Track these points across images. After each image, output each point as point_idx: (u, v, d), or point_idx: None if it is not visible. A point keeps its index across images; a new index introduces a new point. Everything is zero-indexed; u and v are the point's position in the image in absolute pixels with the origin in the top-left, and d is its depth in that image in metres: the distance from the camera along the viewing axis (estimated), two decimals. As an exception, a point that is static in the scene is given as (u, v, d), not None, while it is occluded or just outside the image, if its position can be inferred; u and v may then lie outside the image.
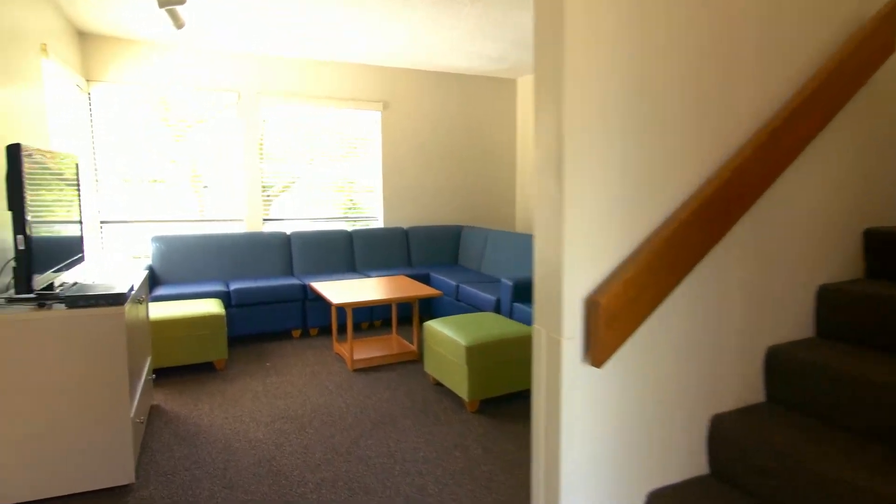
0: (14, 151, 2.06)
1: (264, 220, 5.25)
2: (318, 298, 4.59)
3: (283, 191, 5.31)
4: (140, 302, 2.76)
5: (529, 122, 6.09)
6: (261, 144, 5.15)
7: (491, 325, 3.31)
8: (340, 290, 3.92)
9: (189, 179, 4.94)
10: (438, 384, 3.53)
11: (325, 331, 4.77)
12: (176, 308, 3.74)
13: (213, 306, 3.82)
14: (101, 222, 4.69)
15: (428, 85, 5.79)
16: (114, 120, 4.64)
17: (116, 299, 2.21)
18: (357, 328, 4.85)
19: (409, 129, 5.75)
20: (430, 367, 3.47)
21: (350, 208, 5.64)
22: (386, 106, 5.61)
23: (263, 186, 5.20)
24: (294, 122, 5.27)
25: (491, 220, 6.33)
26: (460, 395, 3.13)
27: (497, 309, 4.04)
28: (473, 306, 4.37)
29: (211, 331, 3.68)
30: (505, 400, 3.27)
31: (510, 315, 3.89)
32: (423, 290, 3.91)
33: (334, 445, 2.70)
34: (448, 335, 3.22)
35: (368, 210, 5.72)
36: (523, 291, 3.88)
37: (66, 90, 4.01)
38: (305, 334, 4.67)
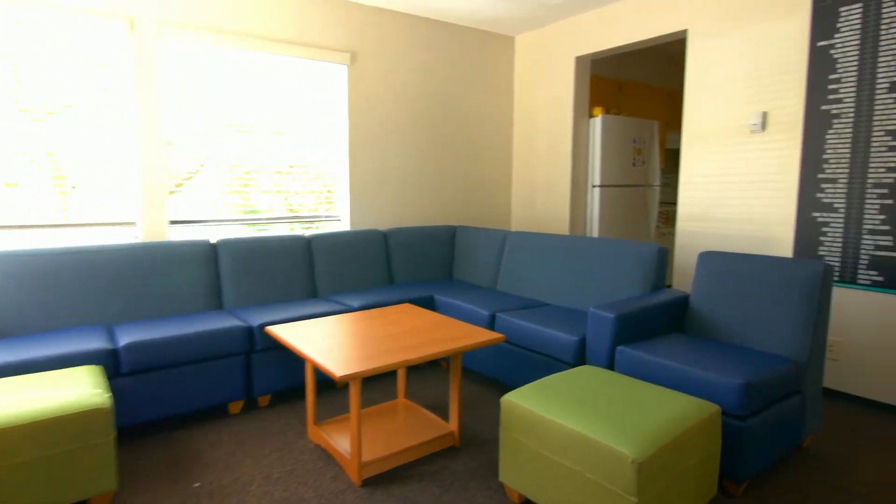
0: None
1: (171, 222, 3.39)
2: (271, 347, 2.87)
3: (189, 179, 3.48)
4: None
5: (529, 93, 4.71)
6: (163, 107, 3.29)
7: (628, 397, 1.86)
8: (329, 343, 2.26)
9: (50, 165, 2.97)
10: (530, 506, 2.01)
11: (284, 397, 3.05)
12: (13, 398, 1.88)
13: (84, 385, 2.00)
14: None
15: (410, 34, 4.21)
16: None
17: None
18: (329, 387, 3.17)
19: (385, 93, 4.13)
20: (516, 478, 1.95)
21: (315, 204, 3.91)
22: (354, 59, 3.96)
23: (173, 175, 3.35)
24: (215, 75, 3.46)
25: (485, 219, 4.87)
26: (610, 547, 1.64)
27: (581, 356, 2.60)
28: (524, 348, 2.88)
29: (85, 442, 1.88)
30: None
31: (611, 366, 2.46)
32: (477, 336, 2.35)
33: None
34: (577, 430, 1.72)
35: (327, 207, 4.03)
36: (632, 329, 2.47)
37: None
38: (252, 406, 2.91)
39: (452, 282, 3.97)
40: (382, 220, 4.22)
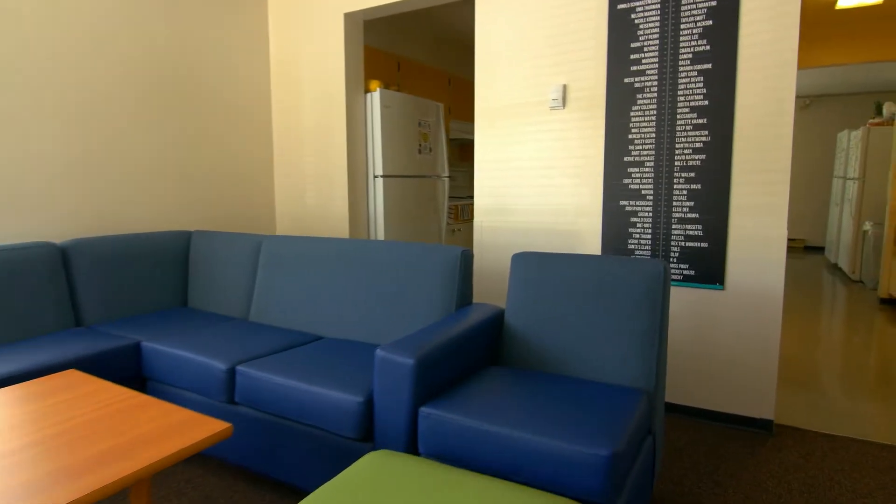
0: None
1: None
2: None
3: None
4: None
5: (290, 58, 3.68)
6: None
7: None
8: None
9: None
10: None
11: None
12: None
13: None
14: None
15: (89, -51, 2.80)
16: None
17: None
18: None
19: (64, 37, 2.66)
20: None
21: None
22: (-21, -35, 2.42)
23: None
24: None
25: (239, 222, 3.68)
26: None
27: (369, 426, 1.70)
28: (283, 417, 1.89)
29: None
30: None
31: (413, 442, 1.62)
32: (183, 437, 1.28)
33: None
34: None
35: (-51, 209, 2.42)
36: (438, 374, 1.67)
37: None
38: None
39: (185, 313, 2.75)
40: (62, 227, 2.76)
